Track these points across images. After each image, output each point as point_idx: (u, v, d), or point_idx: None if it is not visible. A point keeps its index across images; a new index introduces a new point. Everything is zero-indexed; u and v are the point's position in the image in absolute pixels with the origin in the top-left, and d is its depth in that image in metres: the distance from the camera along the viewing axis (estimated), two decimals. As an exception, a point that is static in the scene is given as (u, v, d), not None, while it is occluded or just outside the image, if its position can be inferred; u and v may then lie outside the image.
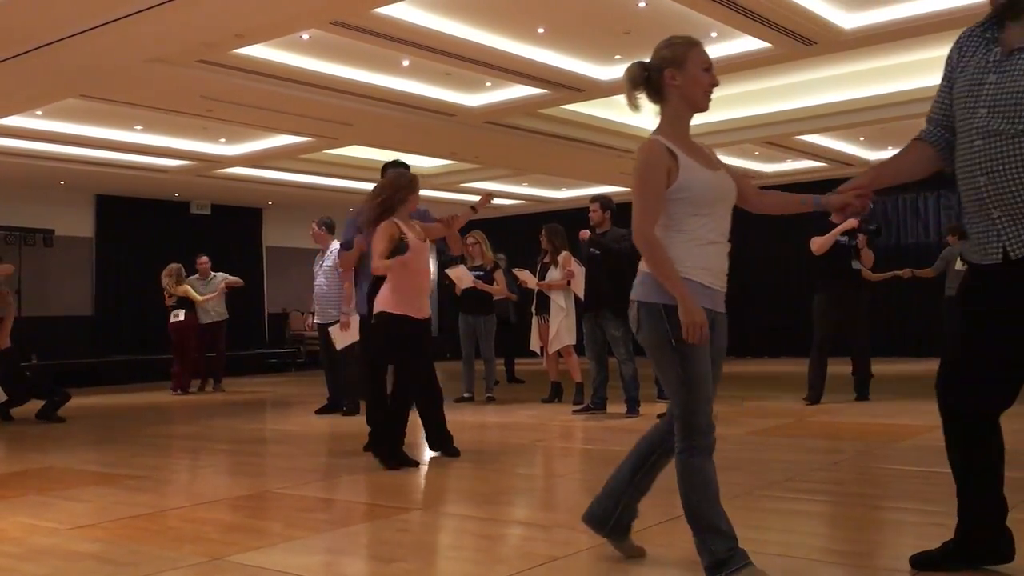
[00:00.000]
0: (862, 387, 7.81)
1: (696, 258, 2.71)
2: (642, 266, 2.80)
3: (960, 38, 2.76)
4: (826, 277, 7.68)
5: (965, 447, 2.73)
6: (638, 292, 2.78)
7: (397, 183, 5.23)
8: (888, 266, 10.60)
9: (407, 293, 5.11)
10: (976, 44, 2.69)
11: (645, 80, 2.81)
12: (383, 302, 5.12)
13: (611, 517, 2.96)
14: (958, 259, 10.25)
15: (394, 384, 5.20)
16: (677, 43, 2.80)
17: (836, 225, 7.50)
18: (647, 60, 2.83)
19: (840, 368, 7.99)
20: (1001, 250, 2.55)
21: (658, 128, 2.82)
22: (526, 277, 8.70)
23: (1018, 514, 3.51)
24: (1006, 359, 2.64)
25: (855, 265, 7.66)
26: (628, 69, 2.84)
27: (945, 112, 2.79)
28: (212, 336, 11.39)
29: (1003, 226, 2.54)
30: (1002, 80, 2.56)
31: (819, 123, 11.11)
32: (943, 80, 2.81)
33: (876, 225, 8.04)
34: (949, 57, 2.78)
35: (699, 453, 2.68)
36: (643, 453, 2.97)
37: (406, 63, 8.83)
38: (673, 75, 2.76)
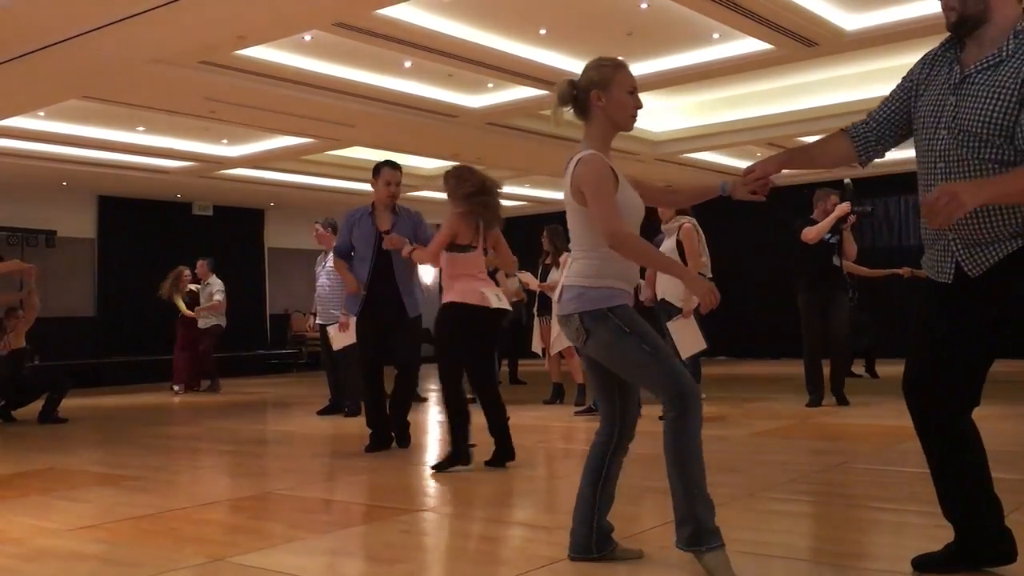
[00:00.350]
0: (838, 389, 7.53)
1: (625, 272, 2.93)
2: (567, 280, 2.95)
3: (926, 56, 2.79)
4: (808, 276, 7.54)
5: (938, 448, 2.75)
6: (574, 305, 2.90)
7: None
8: (891, 267, 10.65)
9: None
10: (940, 63, 2.72)
11: (572, 98, 2.96)
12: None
13: (591, 540, 2.99)
14: None
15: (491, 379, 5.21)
16: (605, 65, 2.94)
17: (817, 221, 7.41)
18: (576, 79, 2.98)
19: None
20: (954, 270, 2.62)
21: (588, 142, 2.96)
22: (528, 279, 8.70)
23: (1020, 516, 3.50)
24: (965, 361, 2.69)
25: (835, 262, 7.53)
26: (558, 86, 2.99)
27: (882, 116, 2.85)
28: (200, 338, 11.49)
29: (956, 249, 2.61)
30: (961, 102, 2.58)
31: (821, 124, 11.07)
32: (899, 89, 2.85)
33: (870, 207, 7.89)
34: (911, 72, 2.81)
35: (693, 414, 2.76)
36: (596, 468, 3.02)
37: (408, 64, 8.84)
38: (599, 96, 2.91)
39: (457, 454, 4.98)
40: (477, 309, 4.93)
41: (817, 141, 3.04)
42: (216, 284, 11.40)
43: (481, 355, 5.06)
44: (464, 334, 4.98)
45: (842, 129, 2.94)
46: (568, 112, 3.01)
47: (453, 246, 5.00)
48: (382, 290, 5.72)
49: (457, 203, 5.02)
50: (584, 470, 3.03)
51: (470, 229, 5.01)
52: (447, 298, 5.03)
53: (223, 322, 11.45)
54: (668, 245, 6.79)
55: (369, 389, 5.88)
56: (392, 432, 5.90)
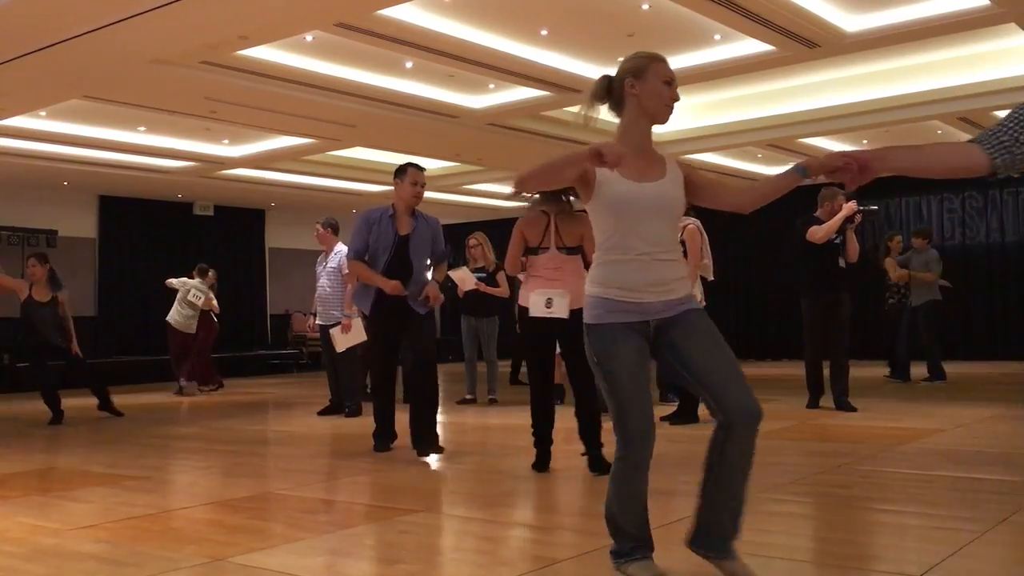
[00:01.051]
0: (840, 397, 7.34)
1: (609, 276, 2.78)
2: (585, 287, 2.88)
3: None
4: (813, 278, 7.37)
5: None
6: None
7: None
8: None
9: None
10: None
11: (607, 91, 2.88)
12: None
13: (700, 535, 2.81)
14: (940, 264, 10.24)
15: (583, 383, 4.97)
16: (641, 56, 2.87)
17: (821, 221, 7.27)
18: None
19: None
20: None
21: (615, 135, 2.88)
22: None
23: (1021, 517, 3.51)
24: None
25: (841, 263, 7.37)
26: (595, 82, 2.92)
27: (1016, 121, 2.54)
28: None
29: None
30: None
31: (822, 126, 11.11)
32: None
33: (876, 206, 7.71)
34: None
35: (628, 463, 2.75)
36: (705, 459, 2.81)
37: (409, 65, 8.84)
38: (632, 84, 2.82)
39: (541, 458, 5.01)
40: (525, 311, 4.91)
41: (932, 146, 2.66)
42: (181, 282, 11.41)
43: (574, 367, 4.89)
44: (524, 336, 4.98)
45: (969, 141, 2.71)
46: (603, 111, 2.92)
47: (527, 249, 4.95)
48: (392, 296, 5.56)
49: (528, 207, 5.02)
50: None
51: (538, 231, 4.93)
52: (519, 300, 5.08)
53: (172, 320, 11.24)
54: None
55: (384, 388, 5.80)
56: (415, 435, 5.62)
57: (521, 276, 5.12)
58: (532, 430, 5.02)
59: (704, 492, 2.78)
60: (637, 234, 2.76)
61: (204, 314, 11.43)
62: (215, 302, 11.58)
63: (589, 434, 4.83)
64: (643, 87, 2.81)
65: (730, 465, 2.72)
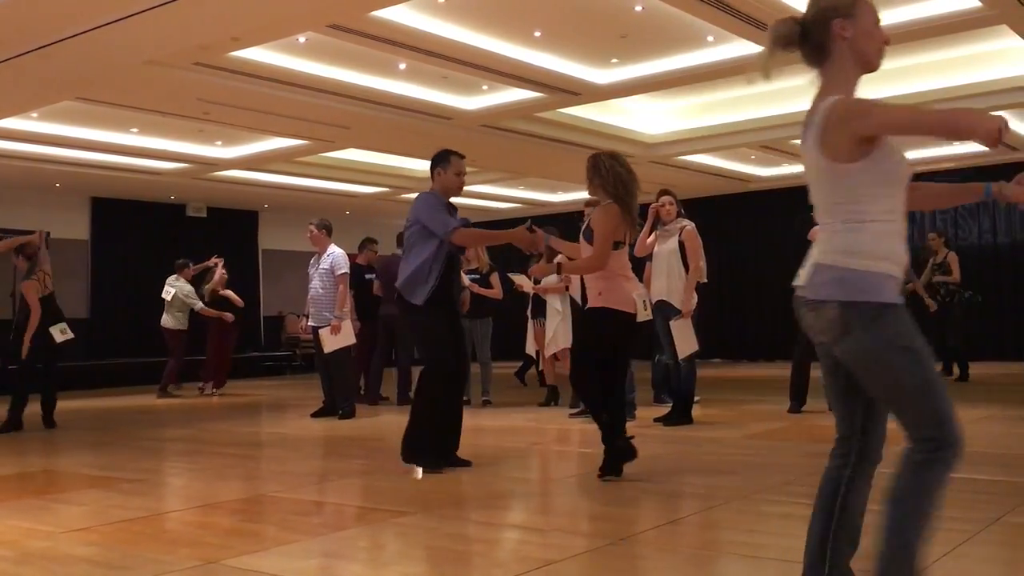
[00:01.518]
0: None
1: (897, 252, 2.24)
2: (822, 259, 2.30)
3: None
4: None
5: None
6: (837, 291, 2.22)
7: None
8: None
9: None
10: None
11: (802, 36, 2.39)
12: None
13: None
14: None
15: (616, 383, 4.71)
16: None
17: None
18: (798, 16, 2.43)
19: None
20: None
21: (832, 90, 2.35)
22: (521, 281, 8.69)
23: (1015, 517, 3.52)
24: None
25: None
26: (776, 25, 2.41)
27: None
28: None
29: None
30: None
31: (815, 127, 11.12)
32: None
33: None
34: None
35: (942, 466, 2.27)
36: (828, 498, 2.43)
37: (403, 66, 8.83)
38: (844, 26, 2.36)
39: (616, 452, 4.58)
40: (630, 317, 4.61)
41: None
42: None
43: (620, 362, 4.74)
44: (614, 340, 4.64)
45: None
46: (784, 59, 2.44)
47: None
48: (449, 287, 5.27)
49: (607, 194, 4.67)
50: (815, 501, 2.43)
51: (625, 223, 4.66)
52: (600, 302, 4.65)
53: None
54: (669, 246, 6.73)
55: (446, 395, 5.17)
56: (446, 450, 5.17)
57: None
58: (607, 427, 4.61)
59: (836, 539, 2.38)
60: (898, 202, 2.29)
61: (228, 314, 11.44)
62: (234, 295, 11.53)
63: (615, 435, 4.59)
64: (856, 28, 2.37)
65: (856, 505, 2.42)
